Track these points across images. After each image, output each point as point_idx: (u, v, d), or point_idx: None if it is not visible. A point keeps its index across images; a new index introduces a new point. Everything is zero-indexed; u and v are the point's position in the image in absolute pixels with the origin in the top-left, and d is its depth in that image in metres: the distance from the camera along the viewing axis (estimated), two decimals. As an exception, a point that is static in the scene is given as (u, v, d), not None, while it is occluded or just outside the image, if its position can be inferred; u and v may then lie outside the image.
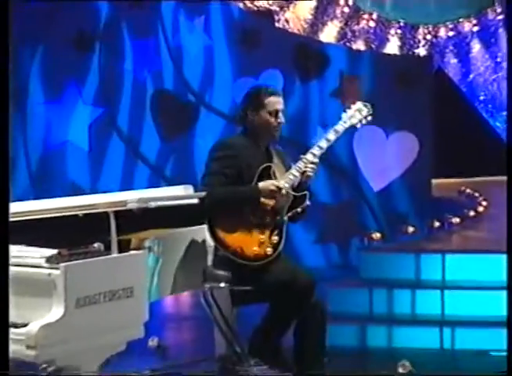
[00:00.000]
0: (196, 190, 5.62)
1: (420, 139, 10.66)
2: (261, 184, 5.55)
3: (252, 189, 5.64)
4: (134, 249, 5.06)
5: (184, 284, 5.54)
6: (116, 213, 4.91)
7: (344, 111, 5.80)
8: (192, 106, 10.41)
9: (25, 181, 10.02)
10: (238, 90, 10.00)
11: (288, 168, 5.75)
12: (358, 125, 5.88)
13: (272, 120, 5.65)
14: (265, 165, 5.68)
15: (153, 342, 6.42)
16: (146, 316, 4.91)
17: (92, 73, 10.07)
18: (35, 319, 4.61)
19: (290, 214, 5.63)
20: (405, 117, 10.65)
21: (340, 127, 5.70)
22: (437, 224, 9.65)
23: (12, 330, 4.56)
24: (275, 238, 5.58)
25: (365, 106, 5.85)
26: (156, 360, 6.07)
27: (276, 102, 5.72)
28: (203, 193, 5.51)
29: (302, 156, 5.60)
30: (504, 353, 6.43)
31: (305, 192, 5.68)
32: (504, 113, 14.20)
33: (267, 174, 5.67)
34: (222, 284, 5.49)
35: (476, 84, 14.51)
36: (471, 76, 14.38)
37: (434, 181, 11.47)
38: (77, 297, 4.60)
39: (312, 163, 5.61)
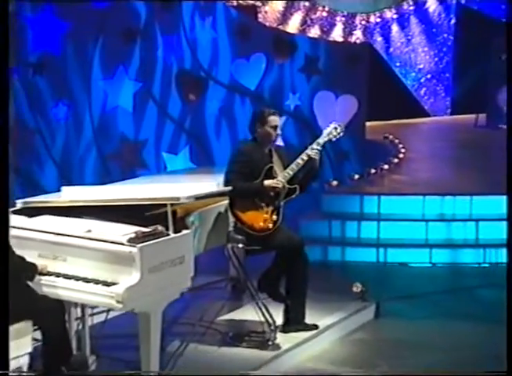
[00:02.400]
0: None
1: (358, 99, 11.76)
2: (266, 182, 6.42)
3: (260, 185, 6.43)
4: (183, 226, 5.76)
5: (214, 243, 6.35)
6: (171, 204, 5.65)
7: (324, 129, 6.70)
8: (203, 80, 11.12)
9: (89, 134, 10.47)
10: (235, 68, 11.37)
11: (284, 163, 6.60)
12: (333, 139, 6.66)
13: (273, 132, 6.52)
14: (268, 166, 6.49)
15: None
16: (192, 273, 5.69)
17: (135, 58, 10.62)
18: (120, 280, 5.25)
19: (285, 200, 6.52)
20: (347, 84, 11.73)
21: (321, 140, 6.55)
22: (372, 171, 10.65)
23: (104, 287, 5.25)
24: (274, 217, 6.43)
25: (339, 125, 6.66)
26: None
27: (275, 120, 6.54)
28: (228, 188, 6.39)
29: (294, 162, 6.46)
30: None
31: (296, 185, 6.48)
32: (413, 74, 16.19)
33: (270, 172, 6.50)
34: (240, 245, 6.42)
35: (395, 55, 15.88)
36: (391, 49, 15.57)
37: (368, 124, 12.59)
38: (149, 266, 5.28)
39: (304, 165, 6.48)
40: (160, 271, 5.41)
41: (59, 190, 10.01)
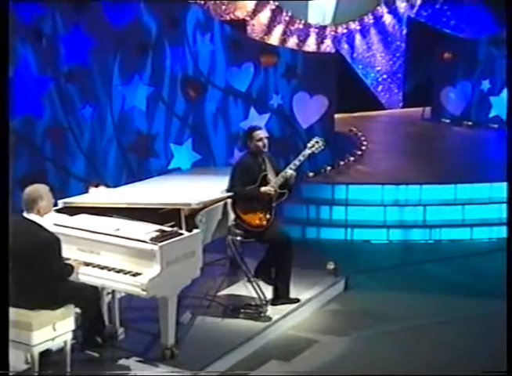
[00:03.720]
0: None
1: (328, 98, 11.58)
2: (262, 188, 6.43)
3: (257, 190, 6.44)
4: (193, 225, 5.77)
5: (217, 234, 6.34)
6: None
7: (308, 142, 6.68)
8: (203, 84, 10.86)
9: (110, 130, 10.24)
10: (229, 74, 11.11)
11: (276, 170, 6.59)
12: (316, 152, 6.63)
13: (260, 144, 6.51)
14: (263, 174, 6.48)
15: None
16: (201, 264, 5.71)
17: (147, 67, 10.36)
18: (144, 271, 5.31)
19: (277, 202, 6.55)
20: (320, 86, 11.55)
21: (306, 153, 6.56)
22: (341, 162, 10.72)
23: (131, 278, 5.30)
24: (268, 216, 6.47)
25: (320, 140, 6.65)
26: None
27: (258, 134, 6.53)
28: (230, 193, 6.42)
29: (284, 171, 6.47)
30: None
31: (285, 190, 6.52)
32: (372, 74, 15.94)
33: (264, 179, 6.49)
34: (239, 238, 6.45)
35: (358, 59, 15.68)
36: (355, 54, 15.45)
37: (336, 116, 12.28)
38: (167, 260, 5.32)
39: (292, 174, 6.49)
40: (176, 264, 5.46)
41: (86, 177, 10.30)
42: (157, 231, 5.56)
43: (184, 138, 11.05)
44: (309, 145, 6.63)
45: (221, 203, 6.36)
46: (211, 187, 6.64)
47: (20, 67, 9.53)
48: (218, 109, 11.23)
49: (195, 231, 5.71)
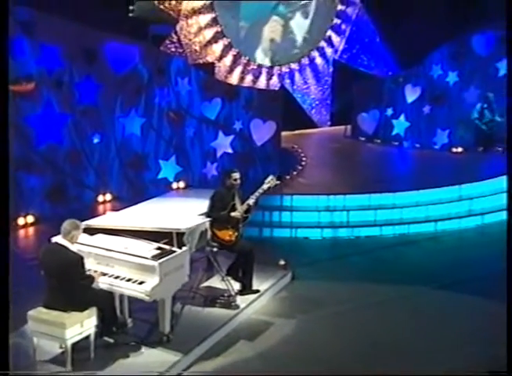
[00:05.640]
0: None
1: (276, 122, 11.48)
2: (232, 213, 6.38)
3: (227, 215, 6.36)
4: (182, 243, 5.62)
5: (199, 246, 6.17)
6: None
7: (265, 178, 6.53)
8: (183, 115, 10.77)
9: (114, 151, 10.13)
10: (203, 107, 11.01)
11: (242, 199, 6.46)
12: (272, 186, 6.47)
13: (234, 182, 6.41)
14: (232, 203, 6.39)
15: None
16: (188, 272, 5.64)
17: (141, 103, 10.27)
18: (147, 280, 5.25)
19: (243, 222, 6.50)
20: (270, 113, 11.46)
21: (265, 187, 6.44)
22: (287, 176, 10.53)
23: (137, 285, 5.23)
24: (236, 233, 6.41)
25: (274, 177, 6.52)
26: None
27: (235, 175, 6.42)
28: (209, 219, 6.25)
29: (247, 201, 6.37)
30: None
31: (248, 215, 6.43)
32: (308, 101, 15.38)
33: (233, 206, 6.41)
34: (215, 249, 6.42)
35: (297, 90, 15.17)
36: (295, 86, 15.06)
37: (282, 134, 11.86)
38: (164, 272, 5.30)
39: (254, 202, 6.45)
40: (170, 274, 5.47)
41: (96, 187, 10.24)
42: (157, 249, 5.54)
43: (169, 155, 11.01)
44: (266, 181, 6.52)
45: (201, 223, 6.25)
46: (195, 209, 6.49)
47: (46, 107, 9.50)
48: (195, 133, 11.17)
49: (184, 249, 5.68)
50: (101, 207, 9.94)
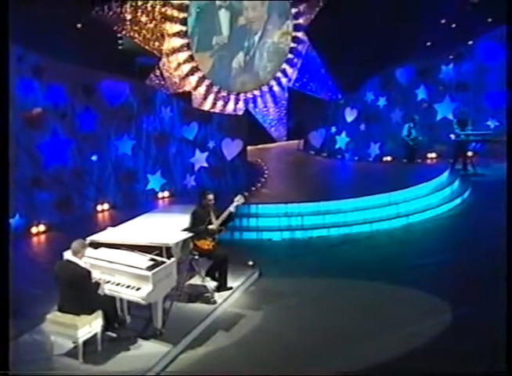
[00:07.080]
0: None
1: (242, 140, 11.58)
2: (209, 227, 6.23)
3: (205, 228, 6.22)
4: (170, 254, 5.58)
5: (183, 254, 6.09)
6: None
7: (235, 197, 6.31)
8: (167, 137, 10.72)
9: (110, 168, 9.98)
10: (183, 130, 10.99)
11: (216, 214, 6.26)
12: (240, 204, 6.29)
13: (209, 202, 6.27)
14: (208, 218, 6.21)
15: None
16: (175, 277, 5.55)
17: (132, 128, 10.25)
18: (142, 287, 5.18)
19: (219, 234, 6.36)
20: (238, 133, 11.54)
21: (236, 204, 6.27)
22: (253, 188, 10.34)
23: (134, 291, 5.19)
24: (213, 243, 6.30)
25: (243, 196, 6.38)
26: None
27: (210, 196, 6.27)
28: (190, 234, 6.11)
29: (222, 216, 6.14)
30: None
31: (223, 227, 6.25)
32: (268, 121, 15.45)
33: (210, 221, 6.26)
34: (196, 256, 6.27)
35: (260, 113, 15.15)
36: (257, 109, 14.99)
37: (248, 148, 11.77)
38: (157, 279, 5.26)
39: (227, 216, 6.23)
40: (161, 281, 5.44)
41: (96, 198, 10.13)
42: (150, 260, 5.51)
43: (155, 170, 10.99)
44: (235, 199, 6.36)
45: (185, 237, 6.20)
46: (180, 224, 6.34)
47: (53, 135, 9.41)
48: (176, 151, 11.11)
49: (172, 260, 5.65)
50: (100, 215, 9.90)
